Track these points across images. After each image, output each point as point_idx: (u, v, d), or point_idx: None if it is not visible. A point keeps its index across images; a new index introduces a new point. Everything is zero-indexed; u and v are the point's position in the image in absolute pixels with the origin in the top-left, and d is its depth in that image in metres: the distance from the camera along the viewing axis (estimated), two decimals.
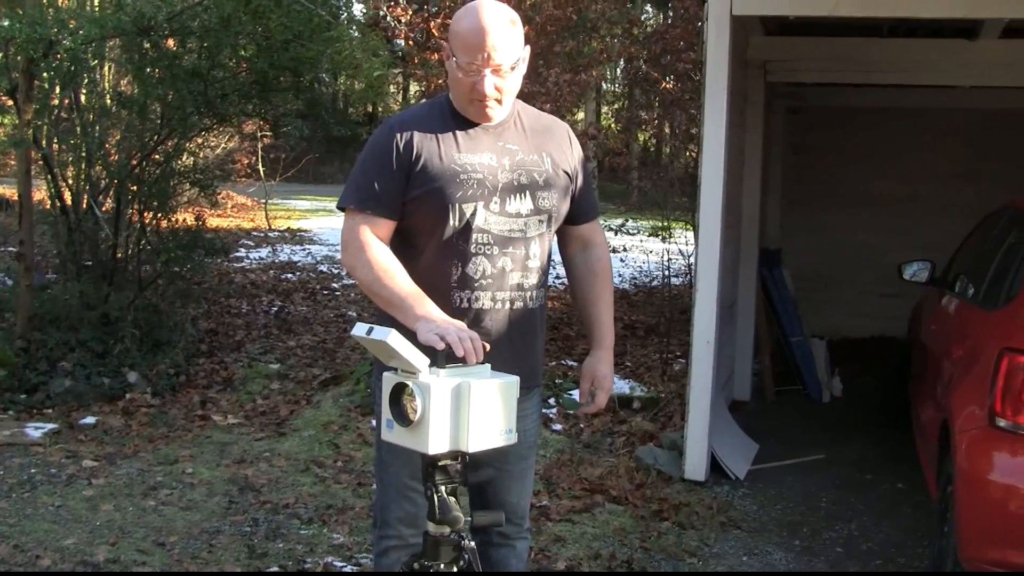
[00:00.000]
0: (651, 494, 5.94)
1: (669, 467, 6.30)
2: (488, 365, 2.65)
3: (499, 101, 2.98)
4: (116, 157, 8.40)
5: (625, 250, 14.35)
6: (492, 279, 3.00)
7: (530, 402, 3.23)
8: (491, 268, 3.00)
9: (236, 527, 5.26)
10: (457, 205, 2.95)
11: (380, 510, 3.21)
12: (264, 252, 15.55)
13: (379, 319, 2.98)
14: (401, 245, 3.03)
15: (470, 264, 2.98)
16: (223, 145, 17.29)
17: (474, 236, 2.97)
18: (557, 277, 10.29)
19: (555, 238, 3.26)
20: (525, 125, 3.13)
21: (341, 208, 3.03)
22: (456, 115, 3.05)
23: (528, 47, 3.03)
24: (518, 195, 3.03)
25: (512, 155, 3.05)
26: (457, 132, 3.02)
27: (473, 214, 2.96)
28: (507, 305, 3.04)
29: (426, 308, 2.75)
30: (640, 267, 14.11)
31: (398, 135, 2.98)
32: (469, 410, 2.53)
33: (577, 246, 3.35)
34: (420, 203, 2.96)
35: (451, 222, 2.96)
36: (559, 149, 3.17)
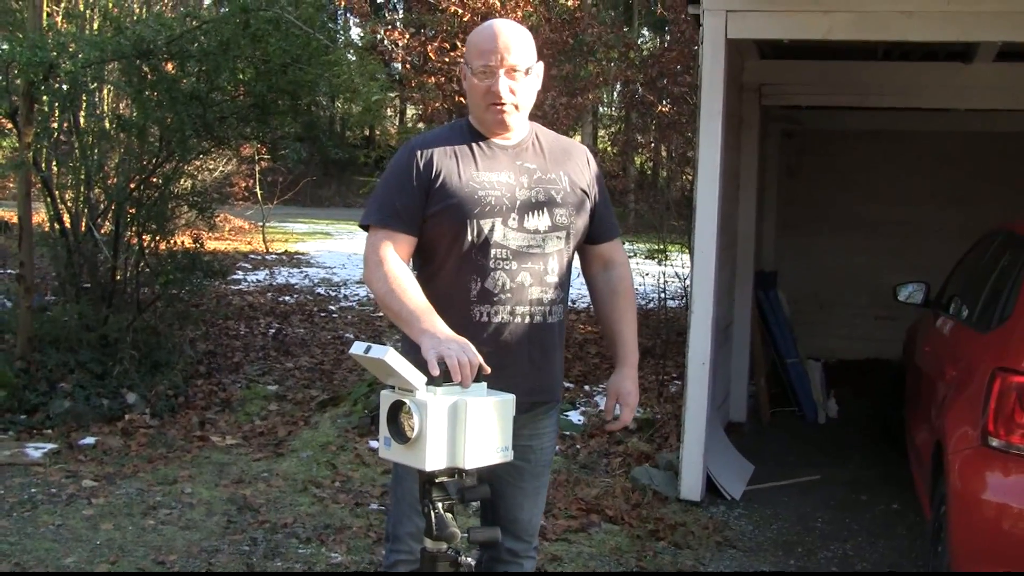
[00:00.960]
0: (647, 514, 5.96)
1: (665, 487, 6.32)
2: (484, 384, 2.68)
3: (515, 107, 3.07)
4: (115, 180, 8.41)
5: None
6: (511, 293, 3.05)
7: (548, 419, 3.27)
8: (510, 282, 3.04)
9: (235, 546, 5.28)
10: (475, 221, 3.01)
11: (392, 524, 3.24)
12: (262, 275, 15.58)
13: (403, 342, 3.04)
14: (423, 261, 3.12)
15: (489, 278, 3.03)
16: (221, 168, 17.34)
17: (492, 251, 3.03)
18: None
19: (577, 257, 3.31)
20: (543, 146, 3.21)
21: (364, 227, 3.09)
22: (476, 135, 3.13)
23: (541, 63, 3.13)
24: (536, 212, 3.09)
25: (530, 174, 3.12)
26: (476, 152, 3.10)
27: (491, 230, 3.02)
28: (526, 319, 3.08)
29: (432, 322, 2.78)
30: (636, 289, 14.12)
31: (418, 154, 3.06)
32: (466, 428, 2.56)
33: (599, 265, 3.41)
34: (439, 219, 3.03)
35: (469, 237, 3.01)
36: (576, 169, 3.23)
